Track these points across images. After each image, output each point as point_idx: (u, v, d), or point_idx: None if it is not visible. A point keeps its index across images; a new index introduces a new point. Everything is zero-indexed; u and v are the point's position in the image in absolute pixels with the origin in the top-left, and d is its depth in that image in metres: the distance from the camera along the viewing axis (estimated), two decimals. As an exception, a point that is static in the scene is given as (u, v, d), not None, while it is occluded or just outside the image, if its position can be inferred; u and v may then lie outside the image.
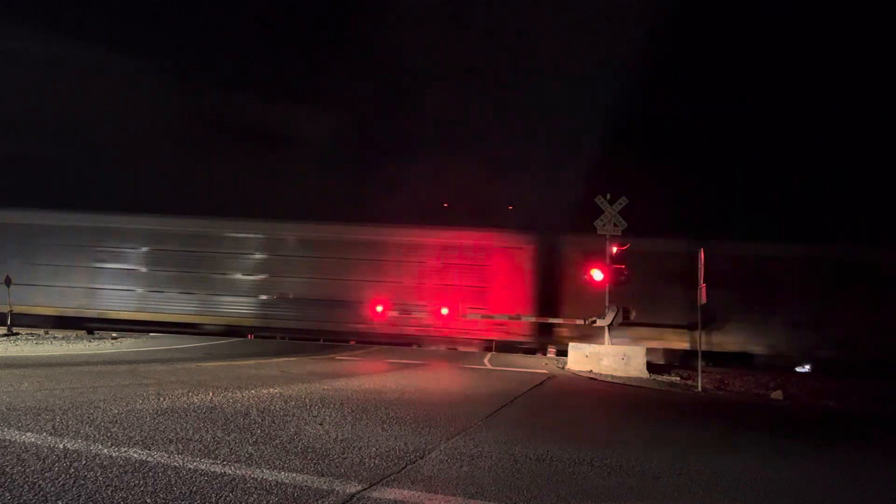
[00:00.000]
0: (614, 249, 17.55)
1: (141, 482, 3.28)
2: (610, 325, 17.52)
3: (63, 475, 3.31)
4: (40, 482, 3.16)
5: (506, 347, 22.05)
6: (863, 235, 22.89)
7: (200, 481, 3.38)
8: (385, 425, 5.62)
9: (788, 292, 21.45)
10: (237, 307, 23.71)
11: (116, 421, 4.89)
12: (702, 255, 13.43)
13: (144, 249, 24.21)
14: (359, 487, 3.50)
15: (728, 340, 21.23)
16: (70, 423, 4.70)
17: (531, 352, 22.00)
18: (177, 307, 23.77)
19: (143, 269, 24.15)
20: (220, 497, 3.13)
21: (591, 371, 15.58)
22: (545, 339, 22.00)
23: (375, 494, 3.41)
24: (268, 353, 15.13)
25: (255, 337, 23.17)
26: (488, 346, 22.18)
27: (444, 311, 21.29)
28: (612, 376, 14.67)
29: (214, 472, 3.60)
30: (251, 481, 3.45)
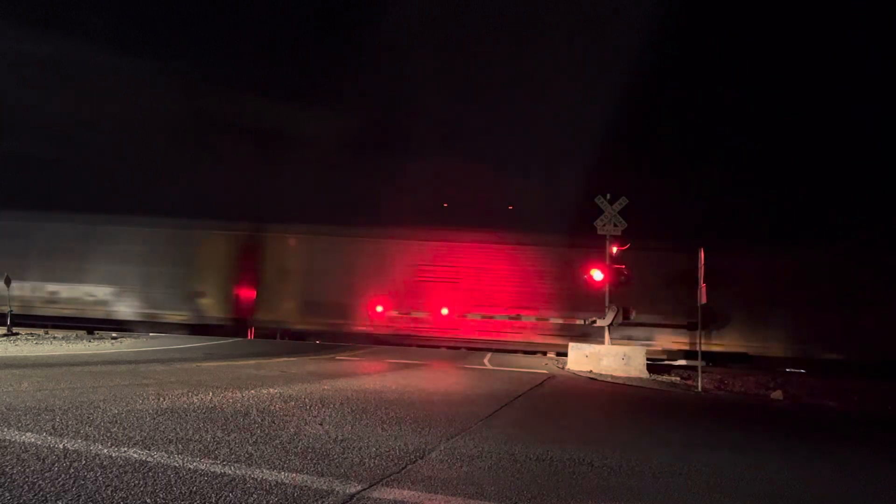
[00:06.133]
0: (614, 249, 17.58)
1: (141, 482, 3.28)
2: (610, 325, 17.53)
3: (63, 475, 3.30)
4: (40, 482, 3.16)
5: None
6: (864, 237, 22.87)
7: (200, 481, 3.38)
8: (385, 425, 5.62)
9: (790, 293, 21.48)
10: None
11: (116, 421, 4.89)
12: (702, 255, 13.42)
13: None
14: (359, 487, 3.50)
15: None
16: (70, 423, 4.70)
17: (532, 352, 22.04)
18: None
19: None
20: (220, 497, 3.13)
21: (591, 371, 15.58)
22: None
23: (375, 494, 3.41)
24: (268, 354, 15.13)
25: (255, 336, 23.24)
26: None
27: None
28: (612, 376, 14.67)
29: (214, 472, 3.59)
30: (251, 481, 3.45)
